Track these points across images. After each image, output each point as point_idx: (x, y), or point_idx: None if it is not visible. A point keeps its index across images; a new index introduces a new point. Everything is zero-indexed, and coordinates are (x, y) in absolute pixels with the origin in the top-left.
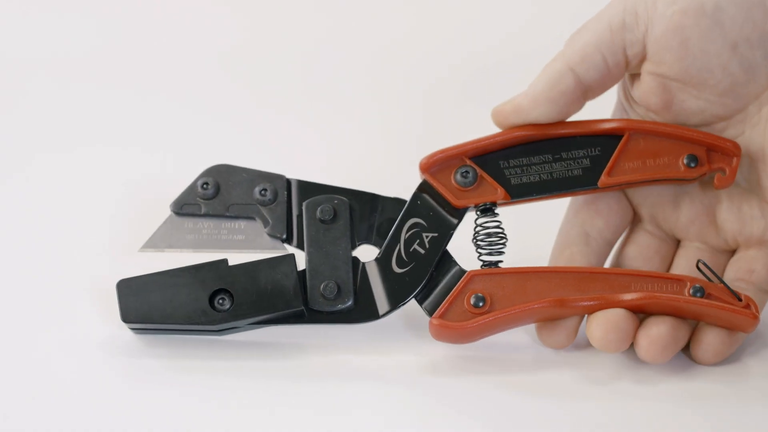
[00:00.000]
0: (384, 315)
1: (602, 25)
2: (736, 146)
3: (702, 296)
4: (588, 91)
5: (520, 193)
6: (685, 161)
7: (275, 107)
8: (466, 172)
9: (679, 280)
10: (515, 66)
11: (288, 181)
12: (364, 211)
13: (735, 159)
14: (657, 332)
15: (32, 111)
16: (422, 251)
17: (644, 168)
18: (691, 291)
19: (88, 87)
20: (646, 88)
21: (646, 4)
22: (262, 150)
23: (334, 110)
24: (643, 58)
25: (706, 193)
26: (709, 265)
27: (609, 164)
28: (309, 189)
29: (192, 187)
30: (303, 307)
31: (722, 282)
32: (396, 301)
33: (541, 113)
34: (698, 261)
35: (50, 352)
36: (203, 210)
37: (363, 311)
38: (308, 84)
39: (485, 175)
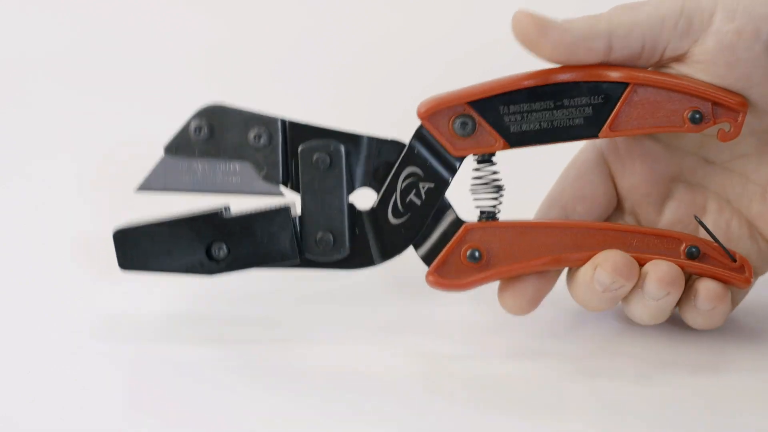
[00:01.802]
0: (379, 263)
1: (655, 18)
2: (743, 102)
3: (697, 255)
4: (606, 60)
5: (519, 141)
6: (689, 116)
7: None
8: (465, 122)
9: (676, 239)
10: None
11: (284, 123)
12: (360, 155)
13: (741, 115)
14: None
15: (29, 112)
16: (418, 202)
17: (647, 121)
18: (686, 251)
19: (73, 88)
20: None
21: (702, 16)
22: None
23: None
24: (677, 59)
25: (696, 200)
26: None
27: (612, 115)
28: (305, 131)
29: (185, 129)
30: (298, 259)
31: (717, 241)
32: (391, 251)
33: (553, 55)
34: (695, 216)
35: (51, 352)
36: (197, 153)
37: (358, 259)
38: (280, 84)
39: (484, 123)
